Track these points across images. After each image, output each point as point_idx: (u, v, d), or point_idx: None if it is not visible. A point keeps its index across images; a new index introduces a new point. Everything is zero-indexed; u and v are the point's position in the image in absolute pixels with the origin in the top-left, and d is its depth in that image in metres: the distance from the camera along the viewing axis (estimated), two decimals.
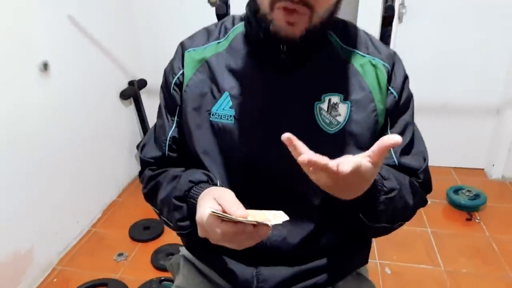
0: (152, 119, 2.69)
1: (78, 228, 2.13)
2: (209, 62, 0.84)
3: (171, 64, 0.88)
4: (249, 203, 0.66)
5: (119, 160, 2.54)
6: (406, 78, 0.84)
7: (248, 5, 0.81)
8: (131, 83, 2.54)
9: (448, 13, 2.39)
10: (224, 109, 0.81)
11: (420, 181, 0.84)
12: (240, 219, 0.60)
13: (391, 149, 0.82)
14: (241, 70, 0.82)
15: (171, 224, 0.83)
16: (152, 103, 2.72)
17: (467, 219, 2.22)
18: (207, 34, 0.87)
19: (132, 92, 2.54)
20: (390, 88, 0.81)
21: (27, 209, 1.77)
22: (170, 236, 2.10)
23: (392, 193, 0.74)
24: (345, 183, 0.63)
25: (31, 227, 1.81)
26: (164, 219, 0.85)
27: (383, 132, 0.82)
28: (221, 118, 0.81)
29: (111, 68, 2.38)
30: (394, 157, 0.83)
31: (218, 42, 0.85)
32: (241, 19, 0.87)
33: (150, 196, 0.89)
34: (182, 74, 0.85)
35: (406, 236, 2.09)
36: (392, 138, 0.57)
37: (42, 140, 1.83)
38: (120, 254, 1.99)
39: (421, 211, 2.23)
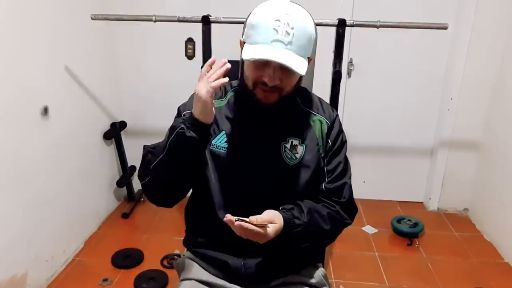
0: (130, 158, 2.95)
1: (64, 257, 2.31)
2: (214, 111, 1.16)
3: (184, 105, 1.18)
4: (232, 204, 1.00)
5: (100, 194, 2.75)
6: (340, 132, 1.20)
7: (240, 80, 1.16)
8: (113, 124, 2.80)
9: (387, 69, 2.85)
10: (220, 143, 1.14)
11: (344, 201, 1.16)
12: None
13: (323, 183, 1.16)
14: (234, 119, 1.16)
15: (161, 155, 1.05)
16: (131, 142, 2.97)
17: (408, 244, 2.60)
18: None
19: (114, 133, 2.79)
20: (328, 139, 1.17)
21: (25, 237, 1.97)
22: (150, 263, 2.33)
23: (300, 227, 1.06)
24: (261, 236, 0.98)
25: (28, 253, 2.00)
26: (152, 172, 1.08)
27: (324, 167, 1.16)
28: (217, 148, 1.14)
29: (97, 111, 2.65)
30: (323, 186, 1.16)
31: (220, 99, 1.20)
32: (233, 85, 1.21)
33: (145, 169, 1.12)
34: None
35: (357, 259, 2.44)
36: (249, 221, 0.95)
37: (37, 177, 2.05)
38: (105, 280, 2.18)
39: (369, 238, 2.62)
